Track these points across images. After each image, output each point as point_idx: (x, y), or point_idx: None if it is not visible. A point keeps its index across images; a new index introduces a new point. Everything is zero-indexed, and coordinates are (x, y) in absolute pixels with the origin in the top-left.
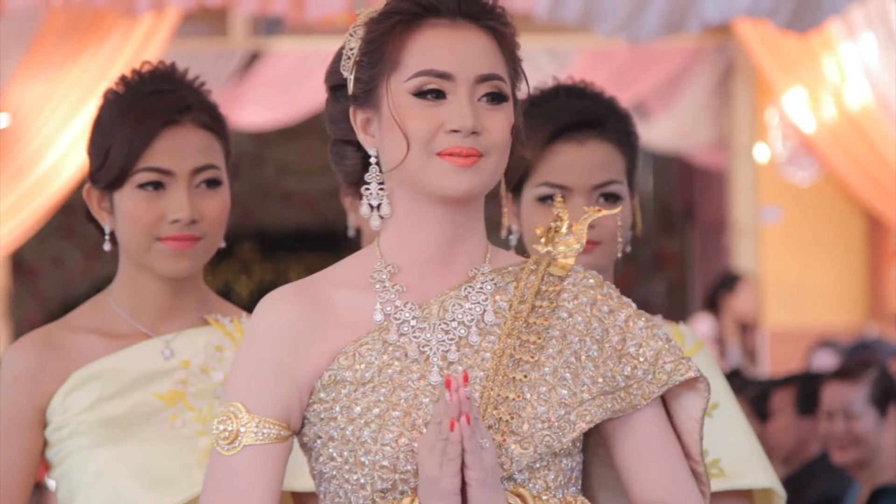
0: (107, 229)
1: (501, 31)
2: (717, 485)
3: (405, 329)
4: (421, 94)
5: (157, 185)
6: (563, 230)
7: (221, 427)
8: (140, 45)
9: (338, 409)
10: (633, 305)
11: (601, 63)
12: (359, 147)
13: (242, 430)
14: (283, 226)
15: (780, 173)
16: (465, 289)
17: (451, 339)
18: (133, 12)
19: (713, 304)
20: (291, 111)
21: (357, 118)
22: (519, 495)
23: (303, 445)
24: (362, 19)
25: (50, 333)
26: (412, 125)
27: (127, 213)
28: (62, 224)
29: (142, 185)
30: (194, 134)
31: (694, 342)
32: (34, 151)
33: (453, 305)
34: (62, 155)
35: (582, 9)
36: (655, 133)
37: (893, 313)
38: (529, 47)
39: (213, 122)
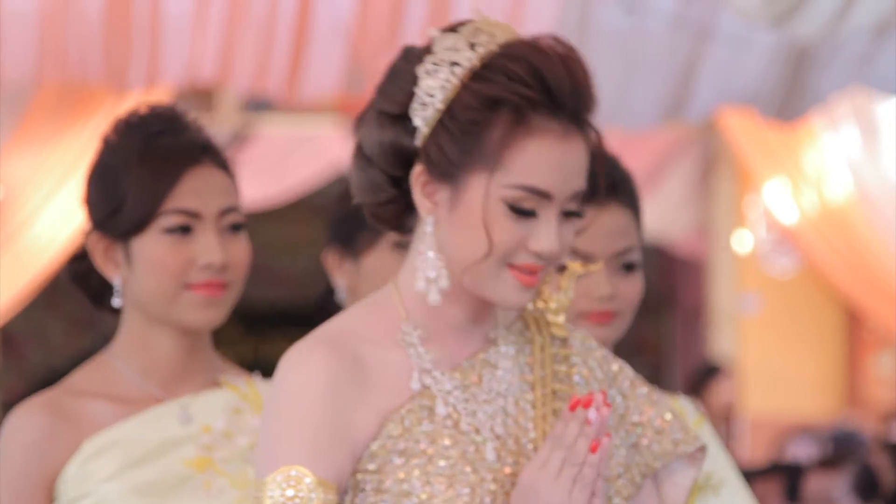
0: (116, 283)
1: (592, 129)
2: None
3: (451, 400)
4: (514, 206)
5: (185, 229)
6: (551, 287)
7: (289, 493)
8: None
9: (389, 481)
10: (631, 369)
11: None
12: (396, 182)
13: (313, 496)
14: (267, 304)
15: (760, 263)
16: (493, 355)
17: (496, 411)
18: (125, 88)
19: (696, 392)
20: (279, 190)
21: (420, 177)
22: None
23: None
24: (457, 59)
25: (57, 399)
26: (497, 235)
27: (150, 260)
28: (45, 295)
29: (168, 230)
30: (216, 174)
31: (696, 415)
32: (21, 223)
33: (487, 375)
34: (50, 227)
35: None
36: None
37: (869, 403)
38: None
39: (226, 162)
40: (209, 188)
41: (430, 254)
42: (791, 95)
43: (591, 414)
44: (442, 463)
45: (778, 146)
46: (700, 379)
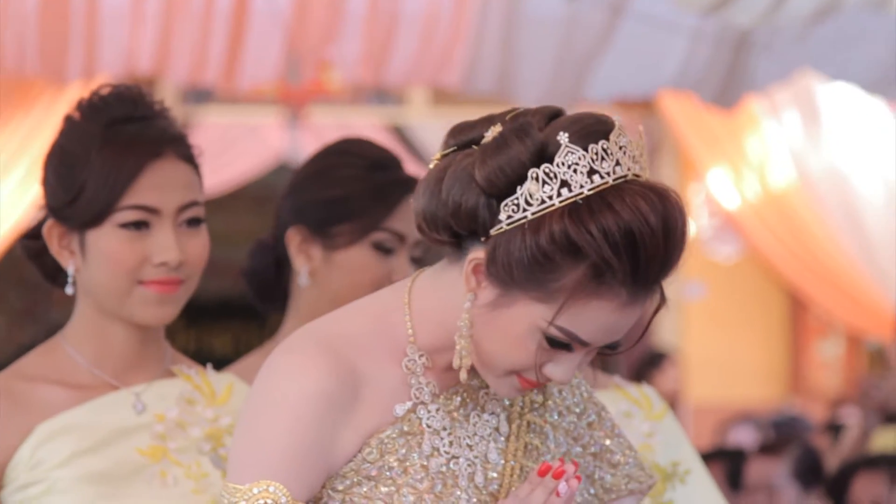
0: (70, 271)
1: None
2: None
3: (436, 442)
4: (551, 342)
5: (141, 225)
6: None
7: None
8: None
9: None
10: (599, 400)
11: None
12: (454, 234)
13: None
14: (209, 295)
15: (703, 250)
16: (482, 395)
17: (477, 458)
18: (63, 81)
19: (640, 380)
20: (218, 181)
21: (476, 261)
22: None
23: None
24: (570, 181)
25: (6, 384)
26: (523, 357)
27: (105, 254)
28: None
29: (124, 225)
30: (178, 167)
31: (661, 405)
32: None
33: (473, 417)
34: None
35: (497, 80)
36: None
37: (813, 389)
38: (444, 120)
39: (190, 153)
40: (170, 183)
41: (465, 331)
42: (730, 81)
43: (562, 487)
44: (408, 496)
45: (720, 133)
46: (644, 367)
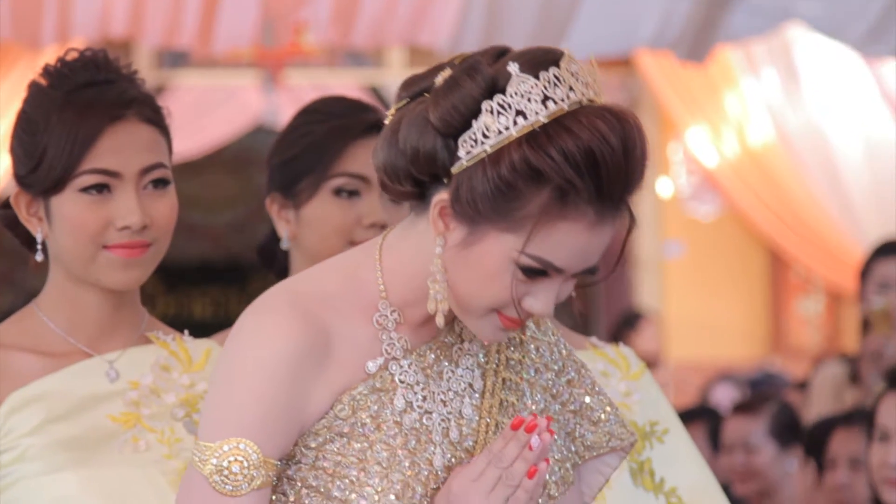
0: (38, 238)
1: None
2: None
3: (409, 396)
4: (527, 271)
5: (103, 188)
6: None
7: (234, 468)
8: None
9: (326, 461)
10: (579, 359)
11: None
12: (416, 182)
13: (255, 473)
14: (187, 259)
15: (682, 208)
16: (455, 350)
17: (450, 413)
18: (37, 45)
19: (619, 340)
20: (196, 144)
21: (442, 203)
22: None
23: None
24: (525, 109)
25: None
26: (499, 291)
27: (68, 220)
28: None
29: (85, 189)
30: (140, 130)
31: (638, 365)
32: None
33: (447, 372)
34: None
35: (483, 42)
36: None
37: (794, 347)
38: None
39: (155, 115)
40: (130, 146)
41: (439, 276)
42: (706, 37)
43: (534, 440)
44: (382, 452)
45: (698, 91)
46: (620, 328)
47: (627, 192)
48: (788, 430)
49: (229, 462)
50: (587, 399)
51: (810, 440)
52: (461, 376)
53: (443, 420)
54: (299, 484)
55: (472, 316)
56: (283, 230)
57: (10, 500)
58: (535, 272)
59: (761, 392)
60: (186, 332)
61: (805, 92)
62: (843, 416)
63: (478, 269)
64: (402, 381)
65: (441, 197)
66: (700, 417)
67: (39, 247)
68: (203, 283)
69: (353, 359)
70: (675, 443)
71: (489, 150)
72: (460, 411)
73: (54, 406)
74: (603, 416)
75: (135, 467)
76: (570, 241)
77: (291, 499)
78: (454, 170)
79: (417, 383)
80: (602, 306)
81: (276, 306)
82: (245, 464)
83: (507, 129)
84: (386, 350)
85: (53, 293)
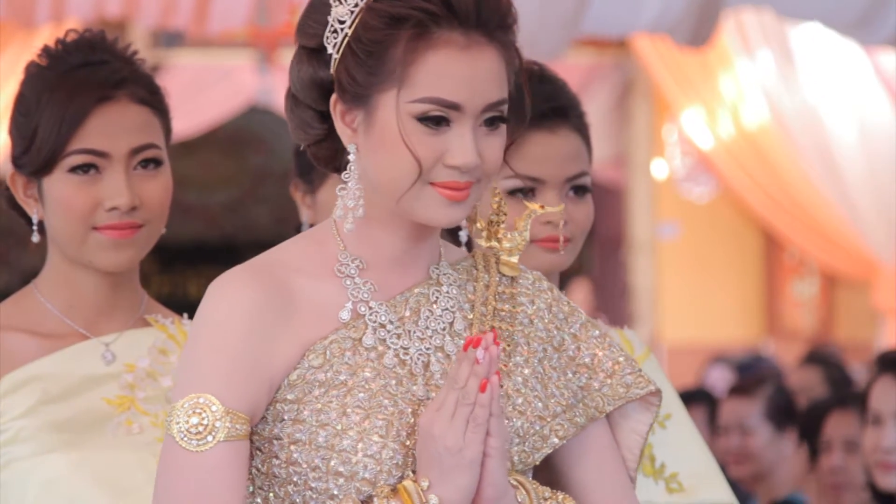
0: (34, 219)
1: (510, 45)
2: (677, 500)
3: (382, 334)
4: (424, 119)
5: (90, 169)
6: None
7: (193, 420)
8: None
9: (307, 412)
10: (583, 312)
11: None
12: (324, 118)
13: (218, 424)
14: (182, 239)
15: (677, 190)
16: (433, 292)
17: (429, 349)
18: (32, 24)
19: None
20: (191, 124)
21: (337, 107)
22: (518, 481)
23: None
24: None
25: None
26: (410, 155)
27: (58, 200)
28: None
29: (73, 170)
30: (131, 110)
31: (642, 348)
32: None
33: (424, 312)
34: None
35: None
36: None
37: (789, 329)
38: None
39: (150, 95)
40: (120, 126)
41: (351, 183)
42: (704, 20)
43: (479, 354)
44: (361, 395)
45: (693, 73)
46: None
47: (482, 12)
48: (784, 413)
49: (189, 416)
50: (598, 352)
51: (805, 423)
52: (440, 316)
53: (421, 355)
54: (286, 440)
55: (408, 196)
56: (305, 215)
57: (2, 482)
58: (436, 120)
59: (757, 374)
60: (185, 315)
61: (800, 74)
62: (838, 398)
63: (386, 143)
64: (371, 321)
65: (334, 98)
66: (697, 400)
67: (35, 227)
68: (197, 262)
69: (318, 310)
70: (677, 428)
71: (349, 30)
72: (442, 347)
73: (49, 388)
74: (617, 367)
75: (127, 450)
76: (447, 70)
77: (283, 457)
78: (332, 70)
79: (391, 322)
80: (596, 288)
81: (235, 273)
82: (204, 416)
83: (356, 5)
84: (352, 295)
85: (51, 274)
